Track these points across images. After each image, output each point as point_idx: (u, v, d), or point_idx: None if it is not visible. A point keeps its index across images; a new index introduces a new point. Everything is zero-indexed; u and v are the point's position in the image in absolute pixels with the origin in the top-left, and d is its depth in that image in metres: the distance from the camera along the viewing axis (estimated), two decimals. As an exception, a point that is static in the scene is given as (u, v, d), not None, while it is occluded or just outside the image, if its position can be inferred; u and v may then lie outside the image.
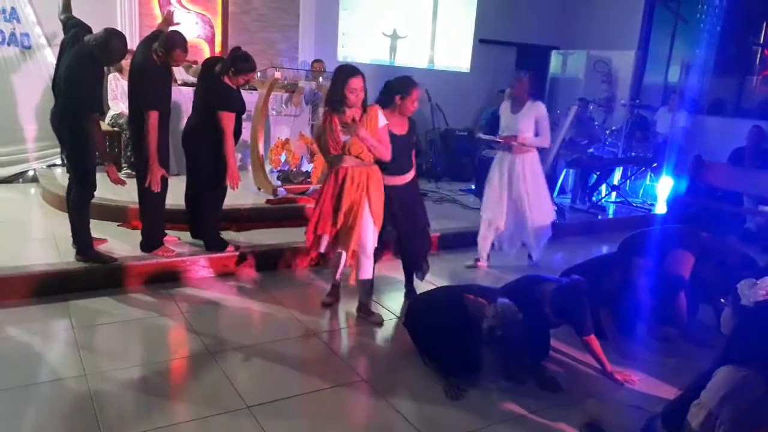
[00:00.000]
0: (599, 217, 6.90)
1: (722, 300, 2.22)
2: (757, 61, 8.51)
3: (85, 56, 3.70)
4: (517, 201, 4.75)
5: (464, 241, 5.30)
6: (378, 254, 4.05)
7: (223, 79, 4.11)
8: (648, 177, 8.08)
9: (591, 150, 7.52)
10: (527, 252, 5.08)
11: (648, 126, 8.30)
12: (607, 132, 8.29)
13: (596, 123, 8.09)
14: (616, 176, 7.90)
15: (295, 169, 6.11)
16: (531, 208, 4.74)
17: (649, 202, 7.72)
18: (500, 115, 4.87)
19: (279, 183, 5.84)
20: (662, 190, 7.69)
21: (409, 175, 3.97)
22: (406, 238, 4.00)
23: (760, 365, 1.85)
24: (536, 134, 4.68)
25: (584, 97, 7.89)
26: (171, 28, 4.31)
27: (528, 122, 4.65)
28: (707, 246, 3.84)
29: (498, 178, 4.79)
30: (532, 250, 4.99)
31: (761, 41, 8.52)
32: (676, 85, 8.59)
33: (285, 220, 5.25)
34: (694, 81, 8.30)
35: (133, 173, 5.34)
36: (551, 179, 6.77)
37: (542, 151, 4.94)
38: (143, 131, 3.93)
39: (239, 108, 4.24)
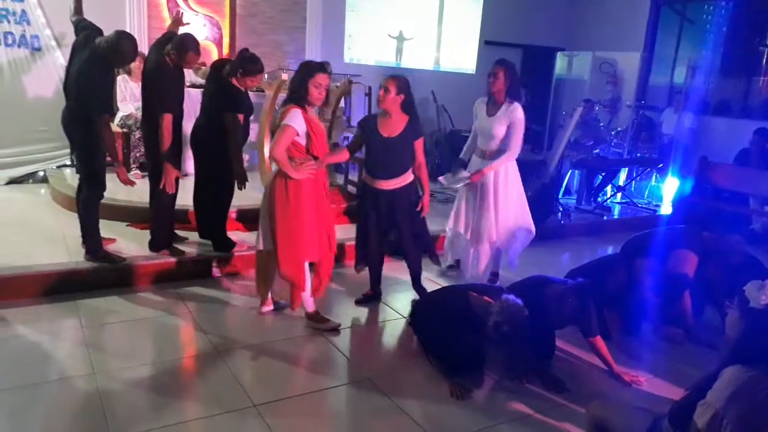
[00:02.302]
0: (605, 217, 6.89)
1: (728, 303, 2.21)
2: (763, 62, 8.48)
3: (96, 58, 3.74)
4: (495, 211, 4.26)
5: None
6: (379, 258, 4.08)
7: (231, 80, 4.14)
8: (653, 178, 8.08)
9: (596, 151, 7.52)
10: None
11: (653, 127, 8.29)
12: (613, 133, 8.28)
13: (602, 124, 8.09)
14: (622, 177, 7.90)
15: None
16: (515, 215, 4.33)
17: (654, 203, 7.71)
18: (474, 113, 4.33)
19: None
20: (668, 190, 7.69)
21: (399, 181, 3.76)
22: (402, 240, 3.93)
23: (768, 366, 1.86)
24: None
25: (590, 98, 7.90)
26: (181, 29, 4.35)
27: (503, 128, 4.12)
28: (709, 245, 3.85)
29: (471, 193, 4.33)
30: (511, 260, 4.53)
31: (767, 42, 8.50)
32: (681, 86, 8.58)
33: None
34: (700, 82, 8.29)
35: (142, 173, 5.41)
36: (556, 180, 6.78)
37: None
38: (157, 133, 3.97)
39: (246, 109, 4.27)
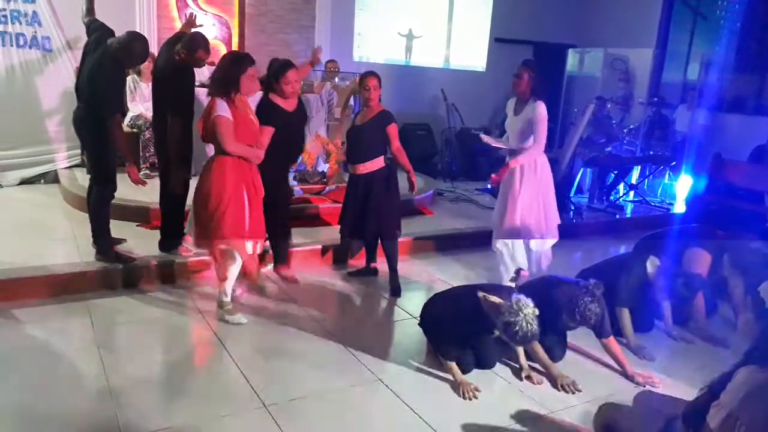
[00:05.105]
0: (617, 216, 6.84)
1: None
2: (778, 57, 8.38)
3: (107, 59, 3.76)
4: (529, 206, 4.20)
5: (480, 240, 5.26)
6: (357, 248, 4.34)
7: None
8: (667, 176, 8.00)
9: (609, 149, 7.46)
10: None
11: (667, 124, 8.21)
12: (625, 130, 8.21)
13: (614, 121, 8.03)
14: (634, 175, 7.83)
15: (311, 170, 6.13)
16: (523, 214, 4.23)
17: (667, 201, 7.64)
18: (506, 111, 4.38)
19: (295, 183, 5.87)
20: (681, 188, 7.61)
21: (371, 165, 4.09)
22: (371, 219, 4.12)
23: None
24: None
25: (601, 95, 7.83)
26: (193, 30, 4.36)
27: (525, 126, 4.13)
28: (724, 244, 3.80)
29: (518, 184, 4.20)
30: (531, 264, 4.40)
31: (782, 37, 8.39)
32: (695, 83, 8.49)
33: (301, 220, 5.27)
34: (714, 78, 8.19)
35: (152, 174, 5.42)
36: (568, 178, 6.74)
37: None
38: (167, 133, 3.97)
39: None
